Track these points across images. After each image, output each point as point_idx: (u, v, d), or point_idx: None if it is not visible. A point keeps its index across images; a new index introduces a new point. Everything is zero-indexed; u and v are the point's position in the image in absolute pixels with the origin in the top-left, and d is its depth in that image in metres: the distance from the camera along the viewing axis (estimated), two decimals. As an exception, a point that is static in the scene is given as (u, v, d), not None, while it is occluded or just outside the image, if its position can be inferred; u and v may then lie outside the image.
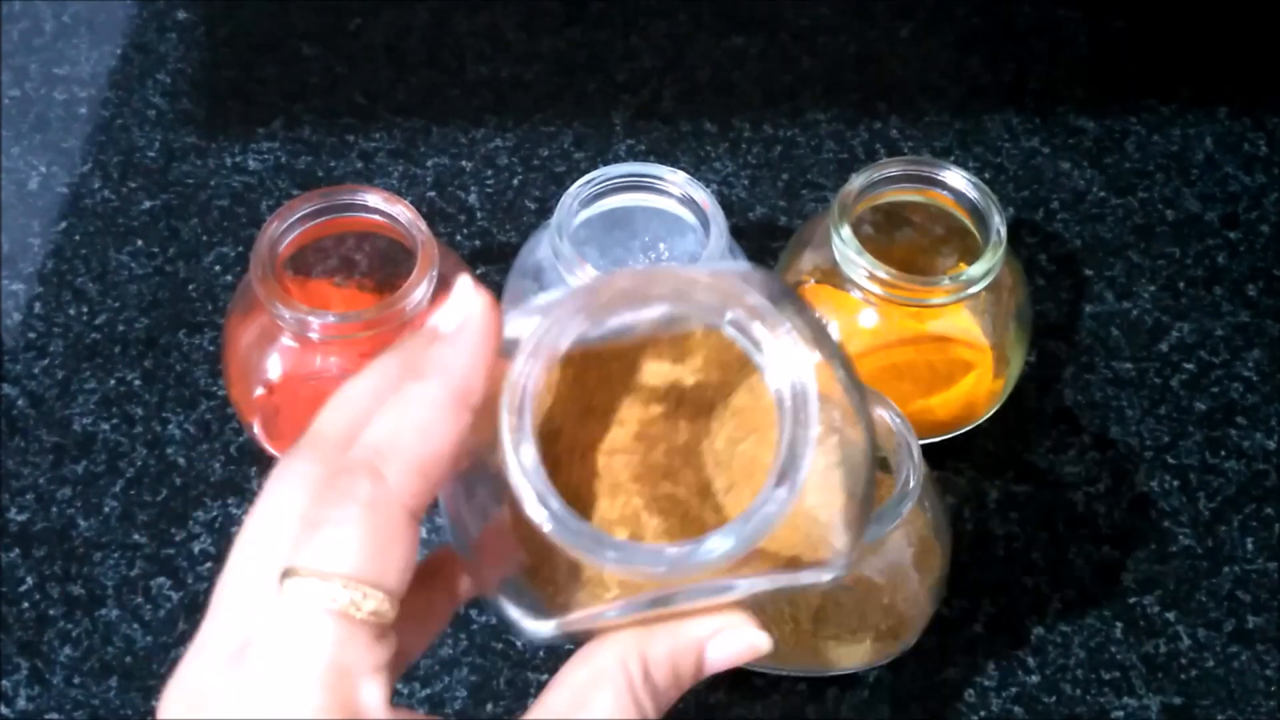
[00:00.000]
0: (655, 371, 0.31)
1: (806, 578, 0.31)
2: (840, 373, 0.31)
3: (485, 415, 0.28)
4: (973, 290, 0.48)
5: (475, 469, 0.30)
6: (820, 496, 0.31)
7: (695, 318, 0.30)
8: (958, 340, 0.52)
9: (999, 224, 0.49)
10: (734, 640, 0.30)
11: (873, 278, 0.48)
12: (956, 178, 0.50)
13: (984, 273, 0.48)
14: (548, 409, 0.30)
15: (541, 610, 0.29)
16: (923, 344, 0.52)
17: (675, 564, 0.27)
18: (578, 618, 0.29)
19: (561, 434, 0.30)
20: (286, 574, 0.26)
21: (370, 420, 0.28)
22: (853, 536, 0.31)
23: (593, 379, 0.31)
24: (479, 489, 0.30)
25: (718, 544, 0.28)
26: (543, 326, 0.28)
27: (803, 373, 0.28)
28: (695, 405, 0.31)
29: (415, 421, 0.27)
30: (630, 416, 0.30)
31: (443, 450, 0.27)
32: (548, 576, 0.30)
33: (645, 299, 0.29)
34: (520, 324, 0.30)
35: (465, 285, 0.29)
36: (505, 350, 0.29)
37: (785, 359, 0.29)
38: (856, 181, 0.50)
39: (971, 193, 0.50)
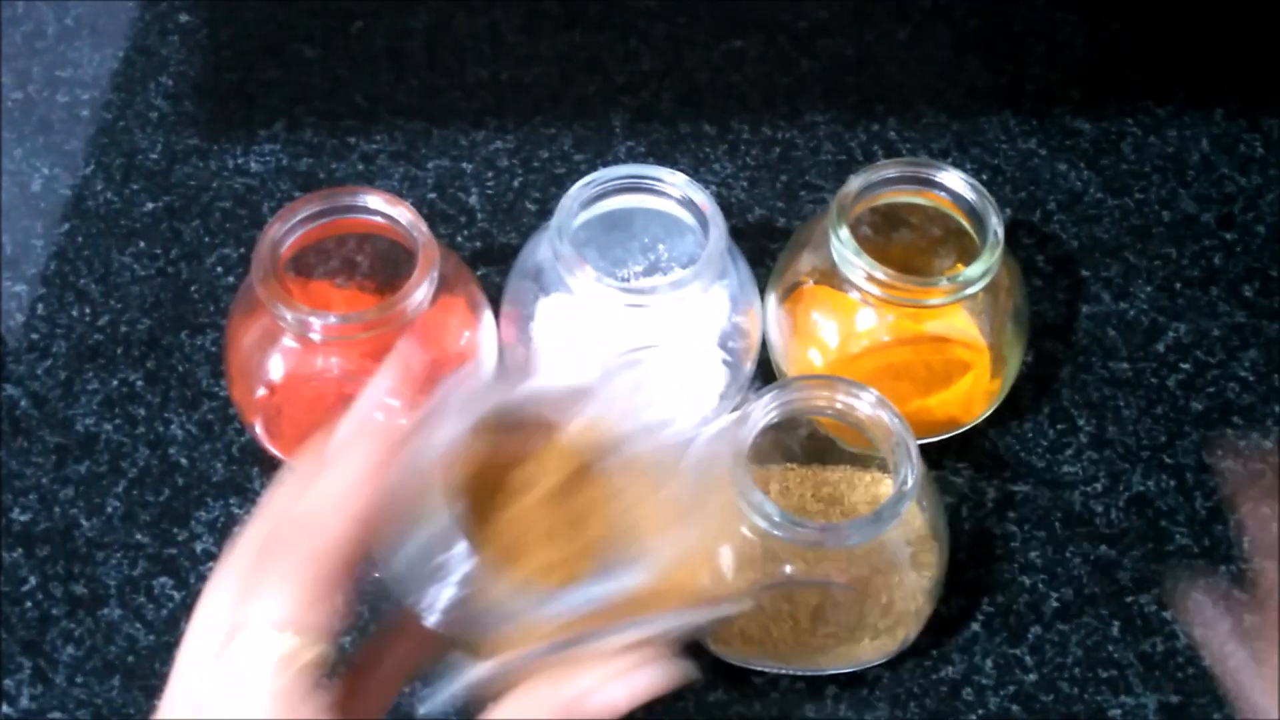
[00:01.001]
0: (569, 433, 0.34)
1: (712, 613, 0.33)
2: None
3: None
4: (970, 291, 0.48)
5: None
6: (716, 540, 0.34)
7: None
8: (955, 340, 0.52)
9: (996, 225, 0.49)
10: (650, 675, 0.31)
11: (871, 278, 0.48)
12: (954, 179, 0.50)
13: (981, 273, 0.48)
14: (482, 460, 0.33)
15: (475, 654, 0.31)
16: (920, 344, 0.52)
17: (577, 606, 0.30)
18: (510, 659, 0.31)
19: (485, 487, 0.33)
20: (234, 629, 0.29)
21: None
22: (749, 572, 0.35)
23: (515, 440, 0.34)
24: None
25: (609, 586, 0.30)
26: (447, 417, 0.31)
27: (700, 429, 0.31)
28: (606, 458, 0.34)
29: (339, 493, 0.30)
30: (548, 471, 0.33)
31: (364, 514, 0.30)
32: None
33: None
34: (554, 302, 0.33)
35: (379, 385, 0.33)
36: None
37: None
38: (855, 183, 0.50)
39: (969, 194, 0.50)
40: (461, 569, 0.29)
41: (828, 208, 0.50)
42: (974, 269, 0.48)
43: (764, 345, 0.55)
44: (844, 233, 0.49)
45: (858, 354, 0.52)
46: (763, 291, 0.55)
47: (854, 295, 0.50)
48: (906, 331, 0.51)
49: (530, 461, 0.34)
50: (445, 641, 0.32)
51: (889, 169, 0.51)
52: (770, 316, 0.54)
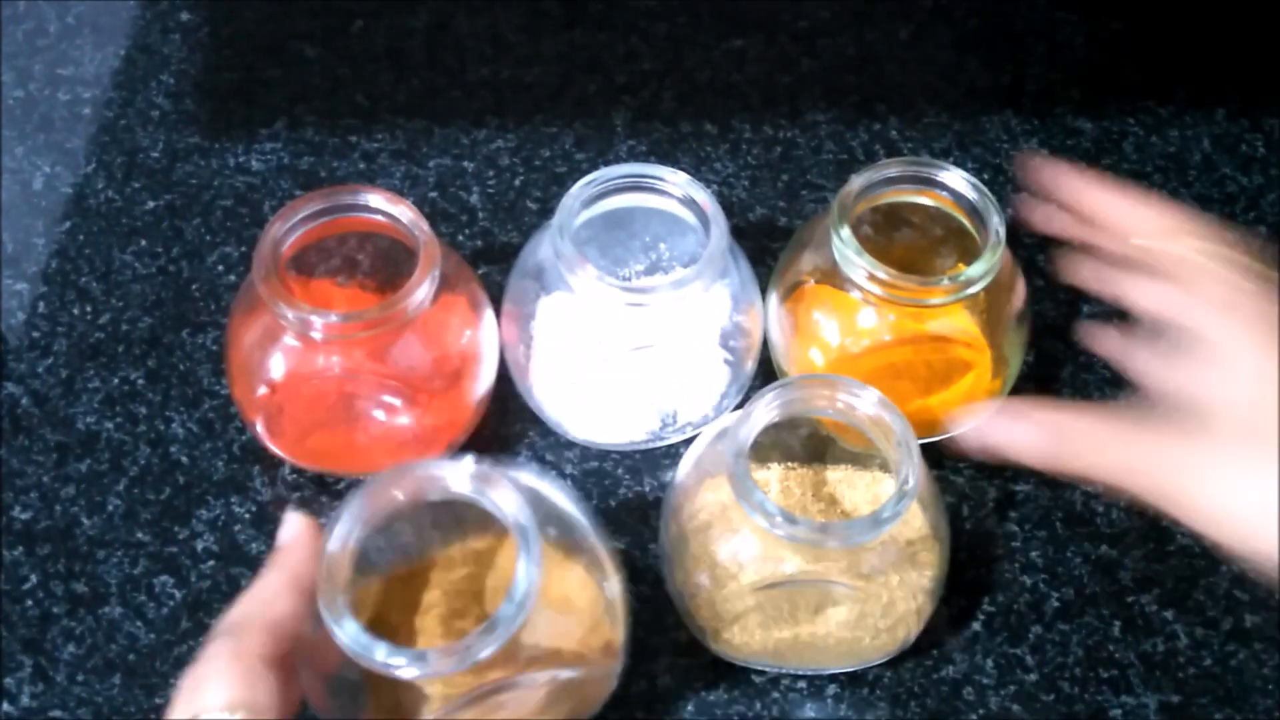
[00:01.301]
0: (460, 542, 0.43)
1: (589, 672, 0.43)
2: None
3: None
4: (971, 290, 0.48)
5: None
6: (584, 610, 0.42)
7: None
8: (956, 340, 0.52)
9: (998, 224, 0.49)
10: None
11: (872, 278, 0.48)
12: (955, 178, 0.50)
13: (983, 273, 0.48)
14: (398, 555, 0.42)
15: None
16: (921, 344, 0.52)
17: (445, 662, 0.36)
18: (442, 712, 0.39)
19: (408, 580, 0.42)
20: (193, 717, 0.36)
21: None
22: (618, 637, 0.43)
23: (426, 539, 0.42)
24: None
25: (486, 639, 0.36)
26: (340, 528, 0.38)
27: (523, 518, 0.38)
28: (488, 553, 0.43)
29: (262, 598, 0.39)
30: (442, 579, 0.43)
31: (283, 614, 0.38)
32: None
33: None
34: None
35: (291, 518, 0.40)
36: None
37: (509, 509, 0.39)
38: (856, 182, 0.50)
39: (970, 193, 0.50)
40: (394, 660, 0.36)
41: (829, 207, 0.50)
42: (975, 269, 0.48)
43: (765, 344, 0.55)
44: (845, 232, 0.49)
45: (859, 353, 0.51)
46: (764, 290, 0.55)
47: (855, 295, 0.50)
48: (908, 331, 0.51)
49: (444, 555, 0.43)
50: None
51: (890, 168, 0.51)
52: (771, 316, 0.54)
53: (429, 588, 0.42)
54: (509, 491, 0.39)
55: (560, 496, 0.43)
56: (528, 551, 0.38)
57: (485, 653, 0.36)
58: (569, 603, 0.42)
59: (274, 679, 0.36)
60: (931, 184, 0.51)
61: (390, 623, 0.41)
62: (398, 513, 0.40)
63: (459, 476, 0.39)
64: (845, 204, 0.50)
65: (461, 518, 0.41)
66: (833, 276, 0.51)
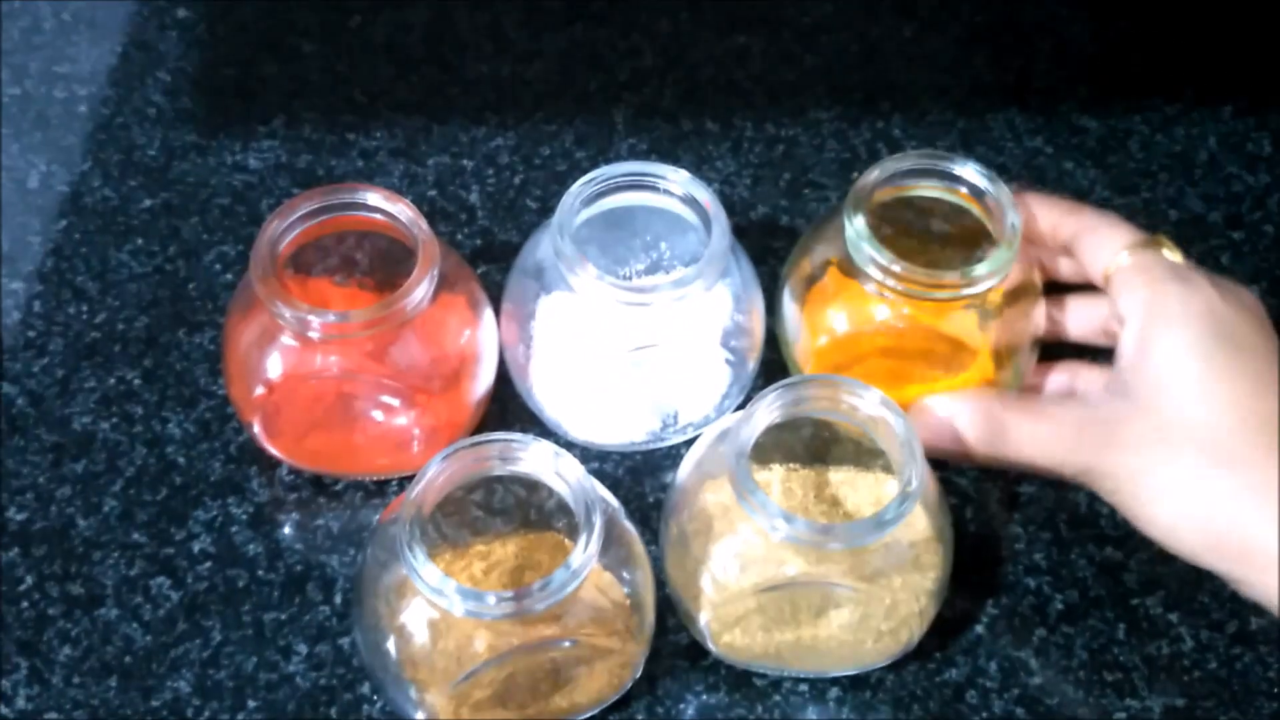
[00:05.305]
0: None
1: (622, 650, 0.45)
2: None
3: None
4: (980, 288, 0.48)
5: None
6: (619, 591, 0.44)
7: None
8: (961, 337, 0.52)
9: (1013, 220, 0.49)
10: None
11: (883, 269, 0.48)
12: (971, 173, 0.50)
13: (991, 270, 0.48)
14: None
15: None
16: (928, 340, 0.52)
17: (505, 606, 0.40)
18: None
19: None
20: None
21: None
22: (647, 621, 0.46)
23: None
24: None
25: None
26: None
27: None
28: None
29: None
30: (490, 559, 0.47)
31: None
32: None
33: None
34: None
35: None
36: None
37: None
38: (873, 173, 0.50)
39: (986, 186, 0.50)
40: None
41: (845, 197, 0.50)
42: (985, 264, 0.48)
43: (767, 344, 0.54)
44: (859, 221, 0.48)
45: (866, 353, 0.51)
46: (767, 289, 0.54)
47: (868, 287, 0.49)
48: (913, 325, 0.51)
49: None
50: None
51: (907, 160, 0.50)
52: (784, 308, 0.53)
53: (478, 562, 0.46)
54: (578, 467, 0.42)
55: (603, 487, 0.45)
56: (590, 526, 0.41)
57: (541, 605, 0.40)
58: (611, 582, 0.44)
59: None
60: (949, 178, 0.50)
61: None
62: (470, 483, 0.44)
63: (539, 451, 0.43)
64: (860, 194, 0.49)
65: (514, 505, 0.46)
66: (846, 268, 0.50)
